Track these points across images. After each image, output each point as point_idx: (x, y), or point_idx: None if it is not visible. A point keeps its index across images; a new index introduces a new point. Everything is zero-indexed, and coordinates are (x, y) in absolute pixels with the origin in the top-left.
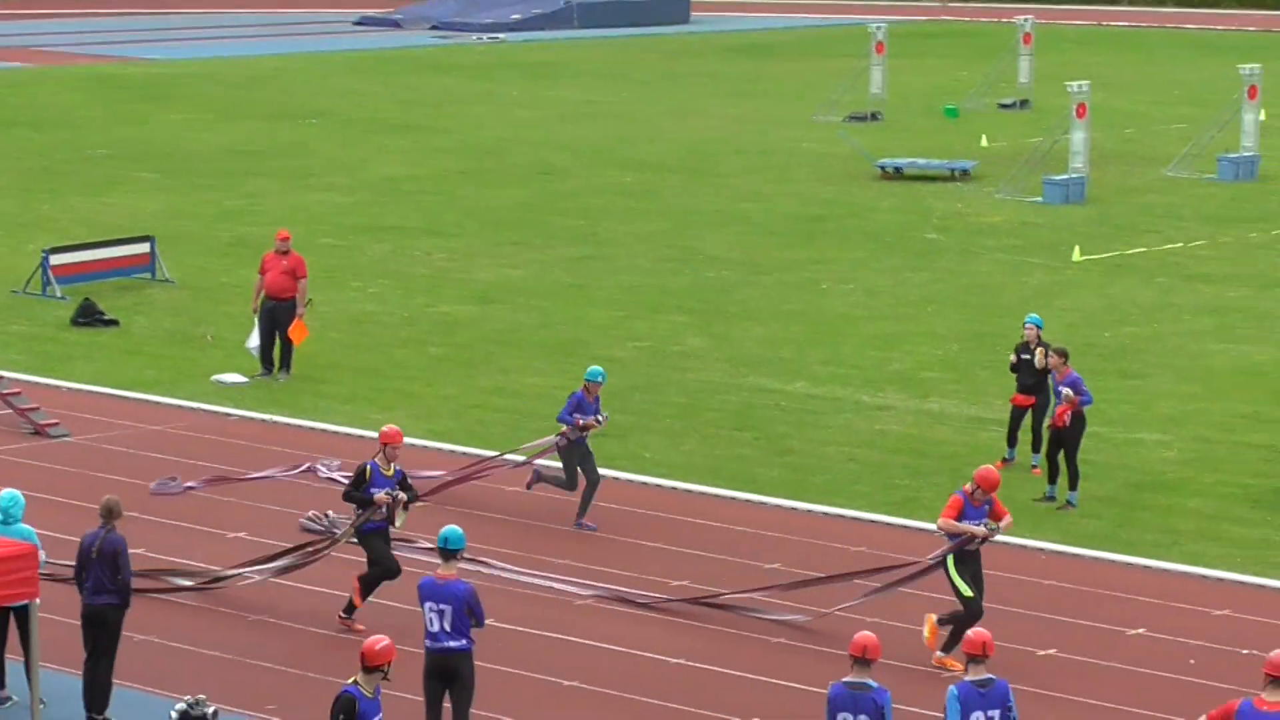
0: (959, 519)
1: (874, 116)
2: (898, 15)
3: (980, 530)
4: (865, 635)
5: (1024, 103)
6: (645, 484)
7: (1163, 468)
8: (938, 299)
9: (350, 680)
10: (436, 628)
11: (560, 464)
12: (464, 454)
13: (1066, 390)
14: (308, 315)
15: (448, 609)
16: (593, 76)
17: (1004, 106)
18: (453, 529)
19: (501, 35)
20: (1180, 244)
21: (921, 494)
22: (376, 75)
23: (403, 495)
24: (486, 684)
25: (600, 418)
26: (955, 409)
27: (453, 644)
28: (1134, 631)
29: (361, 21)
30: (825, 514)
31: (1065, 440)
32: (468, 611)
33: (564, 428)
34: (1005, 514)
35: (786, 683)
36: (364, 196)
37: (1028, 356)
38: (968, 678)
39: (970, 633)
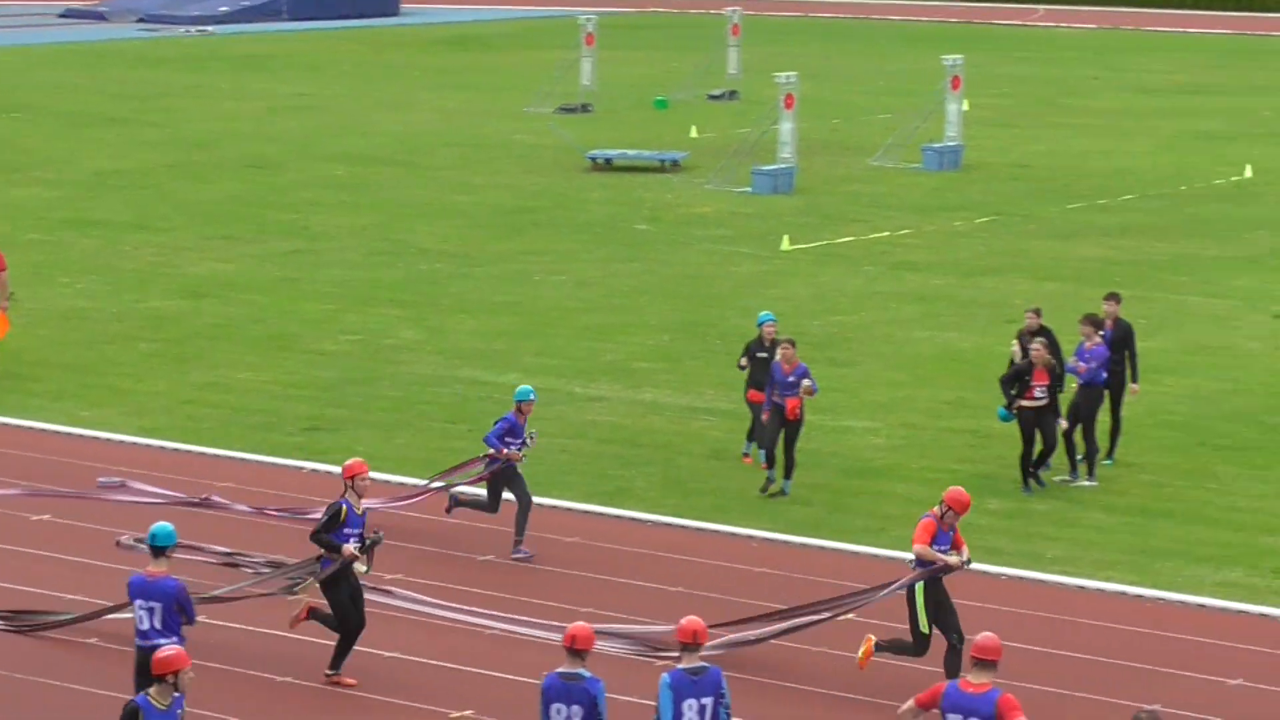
0: (930, 544)
1: (584, 108)
2: (607, 7)
3: (955, 561)
4: (578, 626)
5: (733, 94)
6: None
7: (871, 454)
8: (649, 289)
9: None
10: (146, 625)
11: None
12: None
13: (806, 381)
14: (11, 310)
15: (157, 606)
16: (303, 69)
17: (713, 98)
18: (162, 525)
19: (210, 28)
20: (887, 233)
21: (634, 484)
22: (83, 68)
23: (375, 540)
24: (202, 680)
25: (529, 439)
26: (668, 399)
27: (163, 641)
28: (844, 617)
29: (66, 14)
30: (538, 505)
31: (792, 431)
32: (178, 609)
33: (490, 450)
34: (963, 543)
35: (501, 674)
36: (71, 191)
37: (764, 354)
38: (680, 666)
39: (683, 620)
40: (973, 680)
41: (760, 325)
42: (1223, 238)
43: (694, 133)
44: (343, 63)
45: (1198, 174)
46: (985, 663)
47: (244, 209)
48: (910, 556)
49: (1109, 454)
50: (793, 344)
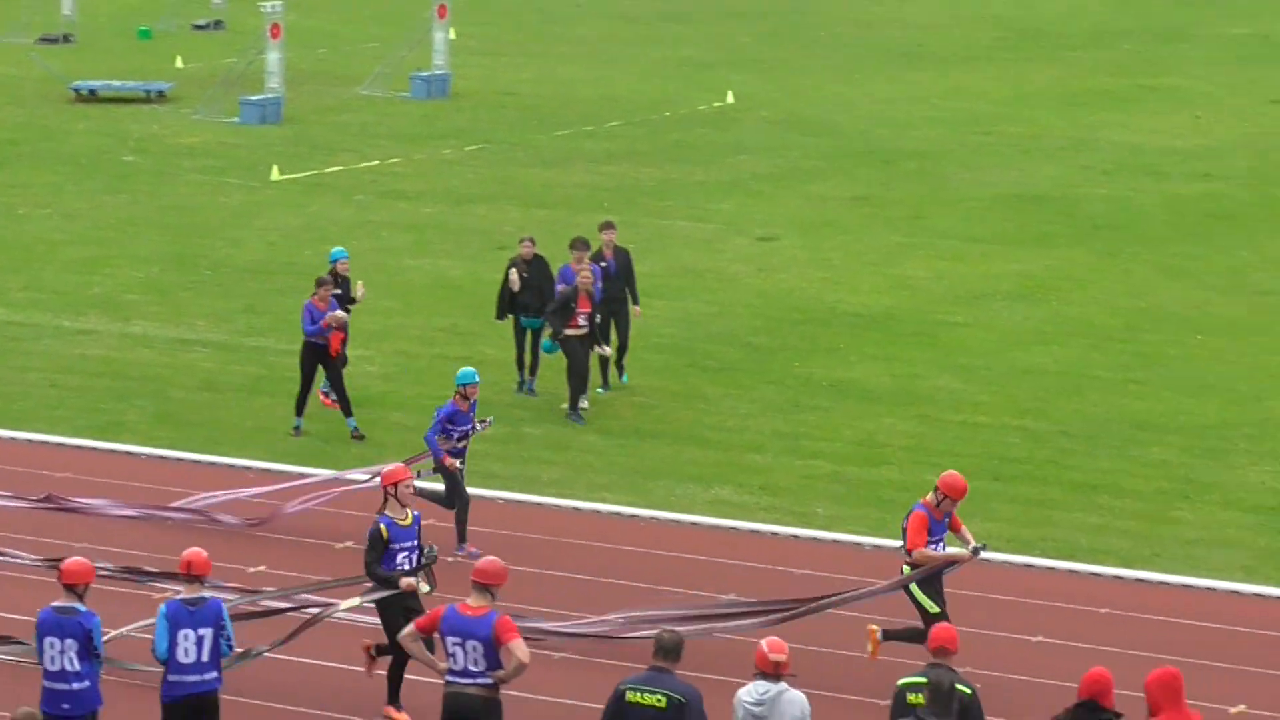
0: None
1: (66, 38)
2: None
3: (966, 555)
4: (73, 560)
5: (218, 24)
6: None
7: (366, 382)
8: (137, 221)
9: None
10: None
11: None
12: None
13: (337, 313)
14: None
15: None
16: None
17: (198, 27)
18: None
19: None
20: (377, 161)
21: (125, 417)
22: None
23: (430, 557)
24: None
25: (478, 425)
26: (158, 331)
27: None
28: (341, 546)
29: None
30: (25, 441)
31: (339, 367)
32: None
33: (433, 448)
34: (961, 525)
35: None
36: None
37: (339, 292)
38: (179, 597)
39: (185, 552)
40: (471, 603)
41: (333, 262)
42: (706, 163)
43: (179, 63)
44: None
45: (682, 100)
46: (484, 586)
47: None
48: (899, 544)
49: (604, 383)
50: (328, 283)
